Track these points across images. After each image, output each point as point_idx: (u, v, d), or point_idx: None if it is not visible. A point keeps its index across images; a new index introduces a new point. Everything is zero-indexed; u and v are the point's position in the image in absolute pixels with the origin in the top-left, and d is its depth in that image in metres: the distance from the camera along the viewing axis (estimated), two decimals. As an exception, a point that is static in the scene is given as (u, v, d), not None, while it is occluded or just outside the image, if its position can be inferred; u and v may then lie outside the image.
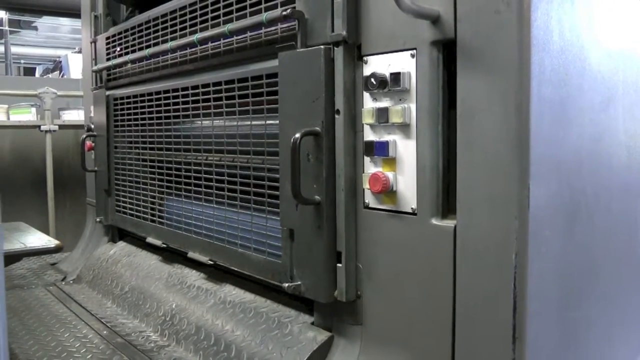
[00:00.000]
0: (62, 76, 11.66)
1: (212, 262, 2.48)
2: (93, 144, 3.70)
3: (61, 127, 5.14)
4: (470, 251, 1.51)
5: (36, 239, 2.85)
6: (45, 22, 13.52)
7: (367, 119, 1.74)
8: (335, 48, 1.82)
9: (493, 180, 1.45)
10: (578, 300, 1.65)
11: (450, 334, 1.56)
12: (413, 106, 1.64)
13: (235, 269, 2.35)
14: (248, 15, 2.17)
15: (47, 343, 2.52)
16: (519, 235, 1.41)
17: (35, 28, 13.78)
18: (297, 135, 1.82)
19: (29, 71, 16.64)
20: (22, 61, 16.63)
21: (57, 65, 15.56)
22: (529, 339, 1.42)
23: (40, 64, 16.74)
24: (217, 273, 2.58)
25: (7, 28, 13.58)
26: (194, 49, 2.57)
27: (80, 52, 9.54)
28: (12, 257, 2.69)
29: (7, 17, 12.90)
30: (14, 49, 14.39)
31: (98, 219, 3.63)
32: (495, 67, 1.44)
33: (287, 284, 1.95)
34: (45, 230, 5.16)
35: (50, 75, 13.99)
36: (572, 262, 1.61)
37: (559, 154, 1.53)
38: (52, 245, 2.77)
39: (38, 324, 2.76)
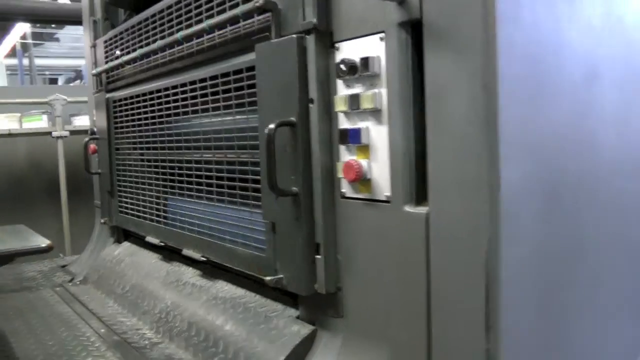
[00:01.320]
0: (83, 84, 11.79)
1: (204, 259, 2.44)
2: (97, 147, 3.68)
3: (72, 132, 5.14)
4: (443, 238, 1.43)
5: (30, 241, 2.84)
6: (67, 33, 13.66)
7: (340, 106, 1.68)
8: (307, 36, 1.75)
9: (463, 164, 1.37)
10: (561, 287, 1.55)
11: (425, 324, 1.48)
12: (384, 91, 1.57)
13: (228, 265, 2.29)
14: (227, 9, 2.12)
15: (45, 342, 2.50)
16: (491, 219, 1.33)
17: (58, 39, 13.94)
18: (272, 126, 1.76)
19: (54, 82, 16.87)
20: (47, 72, 16.87)
21: (79, 74, 15.77)
22: (503, 328, 1.33)
23: (62, 74, 16.97)
24: (212, 270, 2.54)
25: (31, 41, 13.76)
26: (180, 47, 2.52)
27: None
28: (4, 258, 2.67)
29: (30, 31, 13.06)
30: (39, 61, 14.60)
31: (102, 221, 3.62)
32: (461, 45, 1.36)
33: (268, 278, 1.89)
34: (61, 235, 5.18)
35: (72, 84, 14.16)
36: (554, 247, 1.52)
37: (535, 134, 1.44)
38: (44, 245, 2.74)
39: (40, 324, 2.75)
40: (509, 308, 1.35)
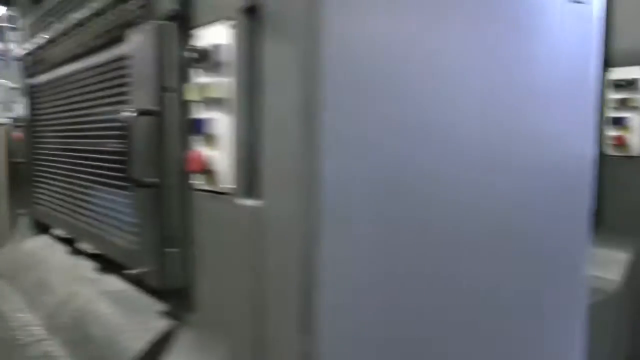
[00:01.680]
0: None
1: (97, 252, 2.38)
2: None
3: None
4: (272, 233, 1.38)
5: None
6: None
7: (191, 95, 1.63)
8: (168, 23, 1.70)
9: (287, 157, 1.33)
10: (404, 289, 1.49)
11: (261, 321, 1.43)
12: (231, 80, 1.52)
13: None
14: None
15: None
16: (310, 217, 1.28)
17: None
18: (129, 114, 1.70)
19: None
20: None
21: None
22: (322, 332, 1.29)
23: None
24: (104, 263, 2.48)
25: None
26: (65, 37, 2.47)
27: None
28: None
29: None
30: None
31: (20, 211, 3.55)
32: (288, 31, 1.32)
33: (134, 271, 1.84)
34: None
35: None
36: (394, 248, 1.46)
37: (372, 128, 1.38)
38: None
39: None
40: (329, 312, 1.30)
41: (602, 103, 3.42)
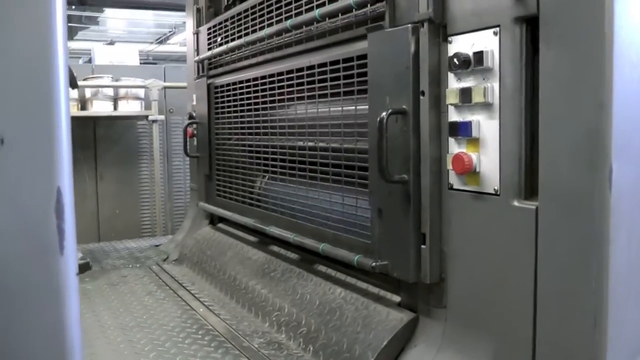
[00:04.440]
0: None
1: (299, 242, 2.59)
2: (194, 131, 3.95)
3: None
4: (551, 234, 1.52)
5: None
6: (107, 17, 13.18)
7: (451, 99, 1.80)
8: (421, 28, 1.88)
9: (569, 161, 1.47)
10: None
11: (532, 319, 1.59)
12: (496, 85, 1.68)
13: (322, 252, 2.44)
14: (339, -1, 2.28)
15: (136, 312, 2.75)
16: (596, 218, 1.42)
17: (97, 23, 13.57)
18: (384, 114, 1.90)
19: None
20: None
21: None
22: (610, 324, 1.42)
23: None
24: (308, 256, 2.70)
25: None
26: (288, 34, 2.70)
27: (111, 44, 10.09)
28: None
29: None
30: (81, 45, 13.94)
31: (199, 203, 3.88)
32: (571, 39, 1.45)
33: (373, 263, 2.04)
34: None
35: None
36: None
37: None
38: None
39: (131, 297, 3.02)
40: (617, 306, 1.44)
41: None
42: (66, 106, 0.88)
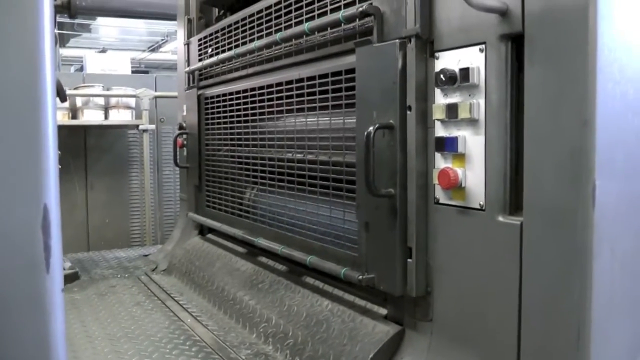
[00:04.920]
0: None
1: (287, 254, 2.61)
2: (184, 142, 3.96)
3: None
4: (536, 249, 1.55)
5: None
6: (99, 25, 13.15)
7: (438, 114, 1.82)
8: (408, 43, 1.91)
9: (554, 177, 1.49)
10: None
11: (516, 332, 1.61)
12: (482, 101, 1.71)
13: (309, 265, 2.45)
14: (329, 13, 2.30)
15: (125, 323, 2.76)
16: (580, 234, 1.44)
17: (90, 31, 13.60)
18: (371, 128, 1.92)
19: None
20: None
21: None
22: (593, 337, 1.45)
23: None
24: (295, 268, 2.72)
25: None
26: (278, 47, 2.73)
27: (103, 51, 10.11)
28: None
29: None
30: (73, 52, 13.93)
31: (188, 214, 3.89)
32: (565, 60, 1.48)
33: (360, 276, 2.06)
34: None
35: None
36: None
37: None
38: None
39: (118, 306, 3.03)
40: (598, 321, 1.46)
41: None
42: (53, 123, 0.90)
